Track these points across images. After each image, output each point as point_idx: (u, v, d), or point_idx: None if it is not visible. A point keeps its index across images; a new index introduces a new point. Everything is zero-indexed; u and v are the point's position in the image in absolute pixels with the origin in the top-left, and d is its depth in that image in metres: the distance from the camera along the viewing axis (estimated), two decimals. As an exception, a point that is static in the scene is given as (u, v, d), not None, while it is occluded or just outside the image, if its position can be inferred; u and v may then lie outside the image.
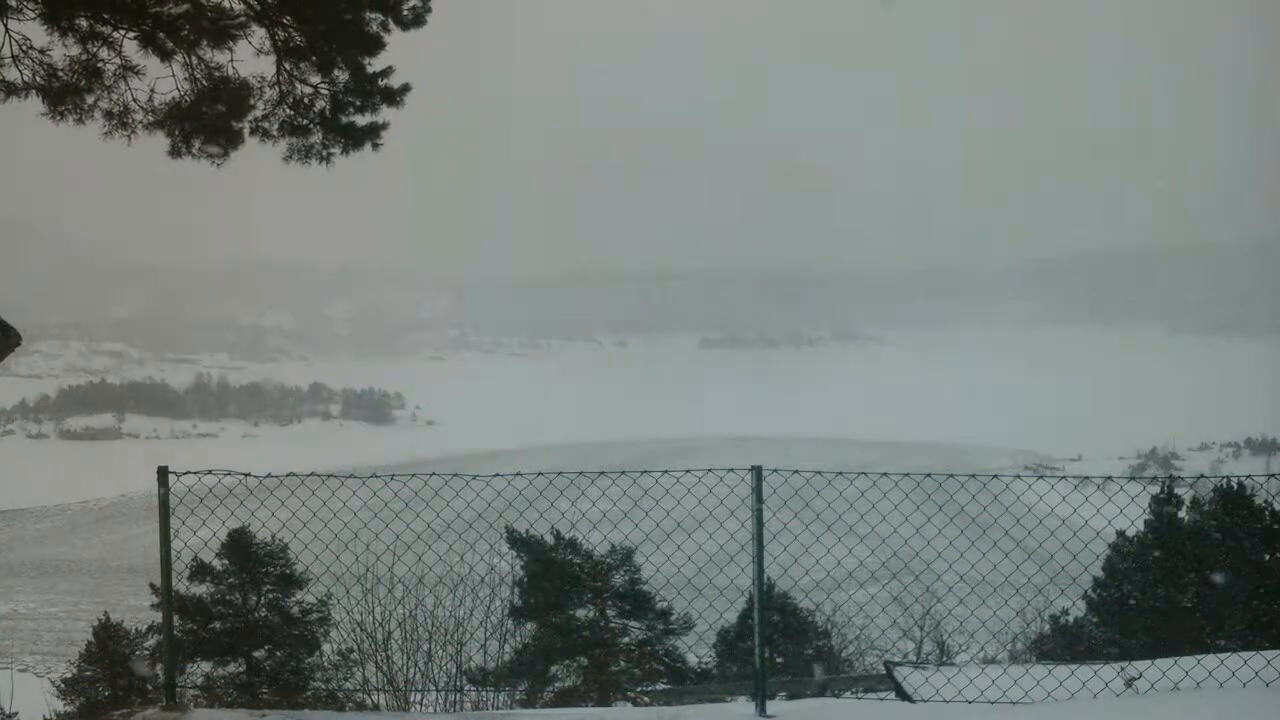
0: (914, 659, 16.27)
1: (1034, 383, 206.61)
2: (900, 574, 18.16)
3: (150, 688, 15.80)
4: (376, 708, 12.07)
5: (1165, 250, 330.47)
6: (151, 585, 11.55)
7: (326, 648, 14.42)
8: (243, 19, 7.23)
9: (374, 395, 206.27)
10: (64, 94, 7.05)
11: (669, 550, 9.03)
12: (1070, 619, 15.82)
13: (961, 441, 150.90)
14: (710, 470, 7.26)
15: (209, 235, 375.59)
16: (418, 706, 12.09)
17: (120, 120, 7.32)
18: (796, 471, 7.22)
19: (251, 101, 7.66)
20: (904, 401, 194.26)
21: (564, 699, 13.97)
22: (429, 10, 7.51)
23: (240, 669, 14.01)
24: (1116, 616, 14.38)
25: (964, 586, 8.43)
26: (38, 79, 7.03)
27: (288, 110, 7.75)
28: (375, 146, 7.99)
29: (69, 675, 17.76)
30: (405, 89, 7.79)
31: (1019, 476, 8.06)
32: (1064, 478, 7.55)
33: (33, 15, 6.82)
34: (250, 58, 7.43)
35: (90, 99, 7.17)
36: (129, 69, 7.14)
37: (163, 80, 7.30)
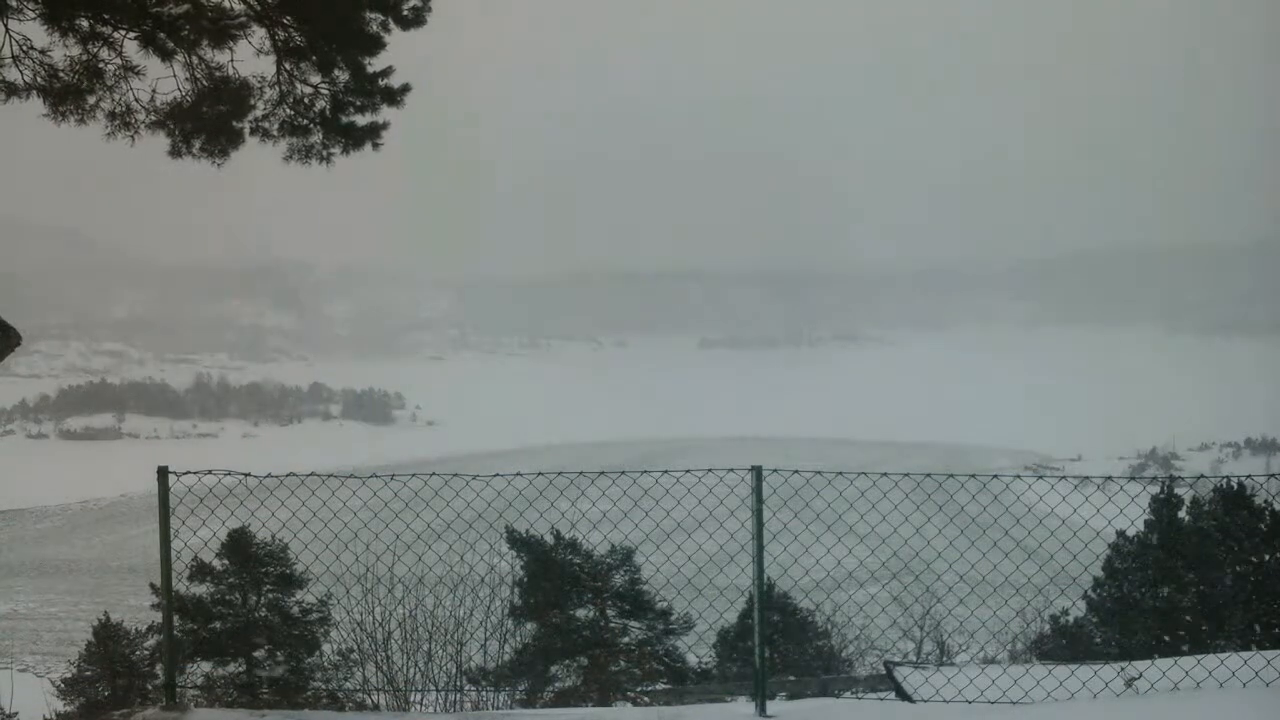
0: (914, 659, 16.27)
1: (1034, 383, 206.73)
2: (900, 574, 18.14)
3: (150, 688, 15.82)
4: (376, 708, 12.07)
5: (1165, 250, 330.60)
6: (151, 585, 11.57)
7: (326, 648, 14.42)
8: (243, 19, 7.22)
9: (374, 395, 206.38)
10: (66, 94, 7.05)
11: (669, 550, 9.03)
12: (1070, 619, 15.81)
13: (961, 441, 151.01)
14: (710, 470, 7.26)
15: (209, 235, 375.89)
16: (418, 706, 12.09)
17: (123, 120, 7.32)
18: (796, 471, 7.23)
19: (252, 101, 7.66)
20: (904, 401, 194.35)
21: (564, 699, 13.97)
22: (429, 10, 7.51)
23: (240, 669, 14.01)
24: (1116, 616, 14.37)
25: (964, 586, 8.43)
26: (38, 79, 7.03)
27: (288, 110, 7.75)
28: (375, 146, 7.99)
29: (69, 675, 17.78)
30: (405, 89, 7.78)
31: (1019, 476, 8.06)
32: (1064, 478, 7.55)
33: (33, 15, 6.82)
34: (250, 58, 7.44)
35: (92, 99, 7.17)
36: (130, 69, 7.14)
37: (163, 81, 7.31)
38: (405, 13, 7.44)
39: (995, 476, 7.49)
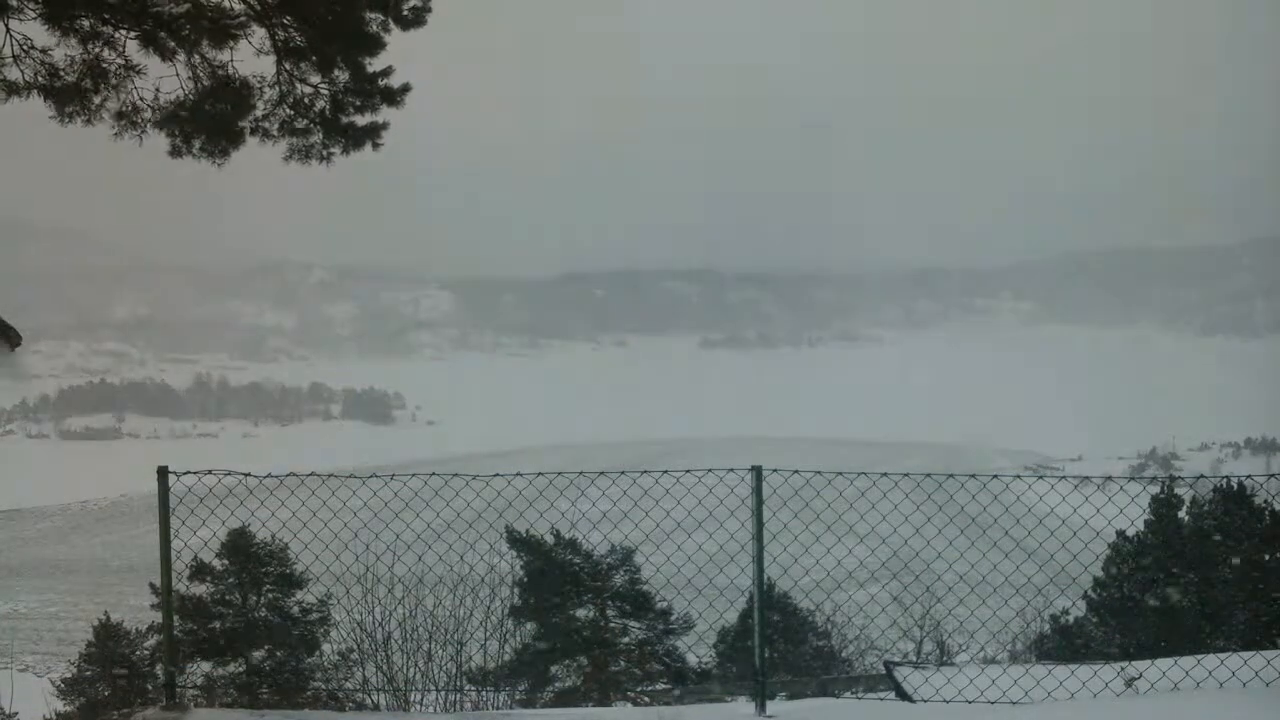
0: (914, 659, 16.27)
1: (1034, 383, 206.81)
2: (900, 574, 18.18)
3: (150, 687, 15.82)
4: (376, 708, 12.08)
5: (1165, 250, 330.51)
6: (151, 585, 11.55)
7: (326, 648, 14.42)
8: (243, 19, 7.23)
9: (374, 395, 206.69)
10: (70, 95, 7.05)
11: (669, 550, 9.04)
12: (1070, 619, 15.81)
13: (961, 441, 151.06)
14: (710, 470, 7.27)
15: (209, 235, 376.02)
16: (418, 706, 12.10)
17: (130, 120, 7.32)
18: (796, 471, 7.23)
19: (252, 101, 7.66)
20: (904, 401, 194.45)
21: (564, 699, 13.97)
22: (429, 10, 7.51)
23: (240, 669, 14.00)
24: (1116, 616, 14.38)
25: (964, 586, 8.43)
26: (39, 79, 7.03)
27: (288, 110, 7.75)
28: (375, 146, 7.99)
29: (69, 675, 17.79)
30: (405, 89, 7.78)
31: (1019, 476, 8.07)
32: (1064, 478, 7.56)
33: (34, 15, 6.81)
34: (250, 57, 7.44)
35: (97, 99, 7.17)
36: (131, 69, 7.14)
37: (164, 80, 7.31)
38: (405, 13, 7.44)
39: (995, 476, 7.50)
